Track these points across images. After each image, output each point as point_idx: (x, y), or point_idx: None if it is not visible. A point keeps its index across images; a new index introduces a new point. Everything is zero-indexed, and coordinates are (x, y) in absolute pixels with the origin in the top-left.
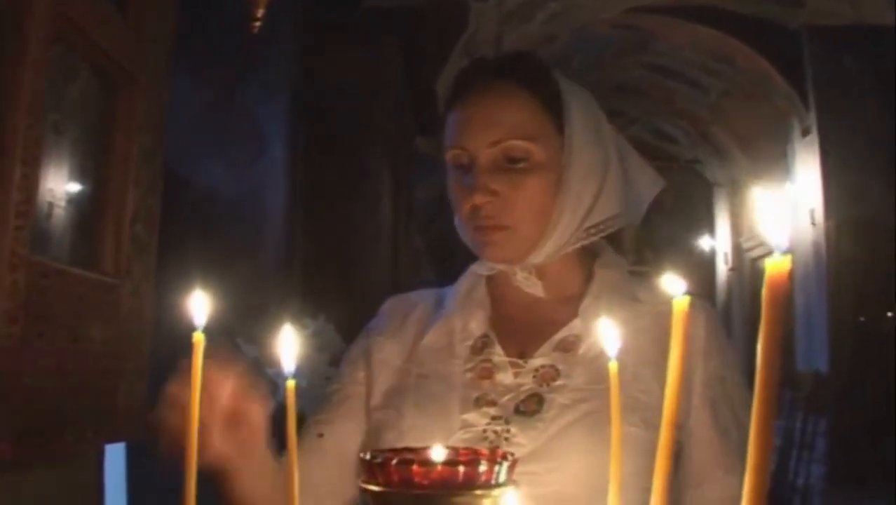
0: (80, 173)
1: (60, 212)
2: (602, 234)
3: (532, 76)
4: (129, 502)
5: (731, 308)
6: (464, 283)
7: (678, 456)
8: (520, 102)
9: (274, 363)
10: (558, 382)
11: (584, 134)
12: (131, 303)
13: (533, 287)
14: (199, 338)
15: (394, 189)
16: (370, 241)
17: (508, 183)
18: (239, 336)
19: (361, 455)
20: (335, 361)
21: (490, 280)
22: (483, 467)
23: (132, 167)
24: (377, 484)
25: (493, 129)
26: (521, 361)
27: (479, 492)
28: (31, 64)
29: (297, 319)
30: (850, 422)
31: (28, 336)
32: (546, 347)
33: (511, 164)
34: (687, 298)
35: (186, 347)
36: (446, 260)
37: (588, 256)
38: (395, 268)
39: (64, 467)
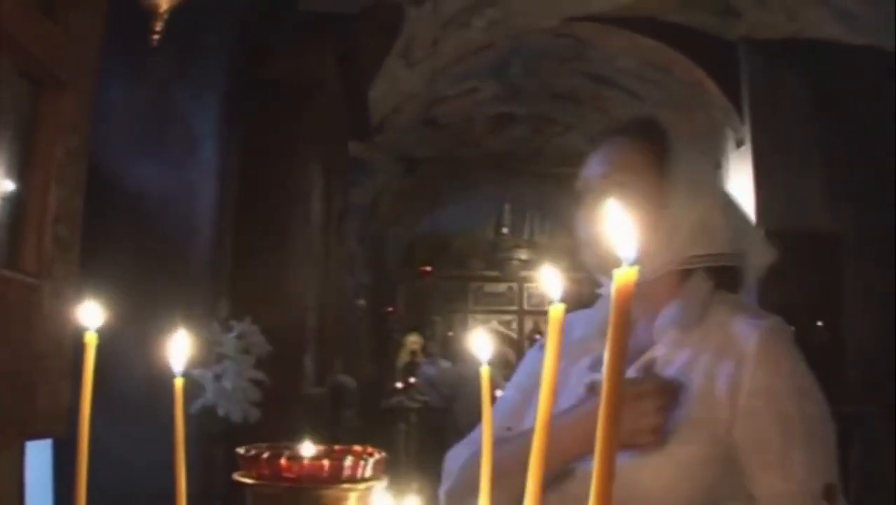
0: (5, 173)
1: None
2: (694, 266)
3: (643, 128)
4: (55, 500)
5: None
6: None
7: (733, 467)
8: (628, 147)
9: (199, 364)
10: None
11: (685, 180)
12: (53, 303)
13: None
14: (91, 338)
15: (325, 192)
16: (300, 244)
17: None
18: (166, 336)
19: (237, 449)
20: (260, 364)
21: None
22: (348, 462)
23: (56, 167)
24: (250, 477)
25: (603, 165)
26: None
27: (345, 485)
28: None
29: (224, 321)
30: None
31: None
32: (631, 369)
33: (613, 193)
34: (561, 307)
35: (113, 348)
36: (381, 263)
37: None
38: (325, 270)
39: None
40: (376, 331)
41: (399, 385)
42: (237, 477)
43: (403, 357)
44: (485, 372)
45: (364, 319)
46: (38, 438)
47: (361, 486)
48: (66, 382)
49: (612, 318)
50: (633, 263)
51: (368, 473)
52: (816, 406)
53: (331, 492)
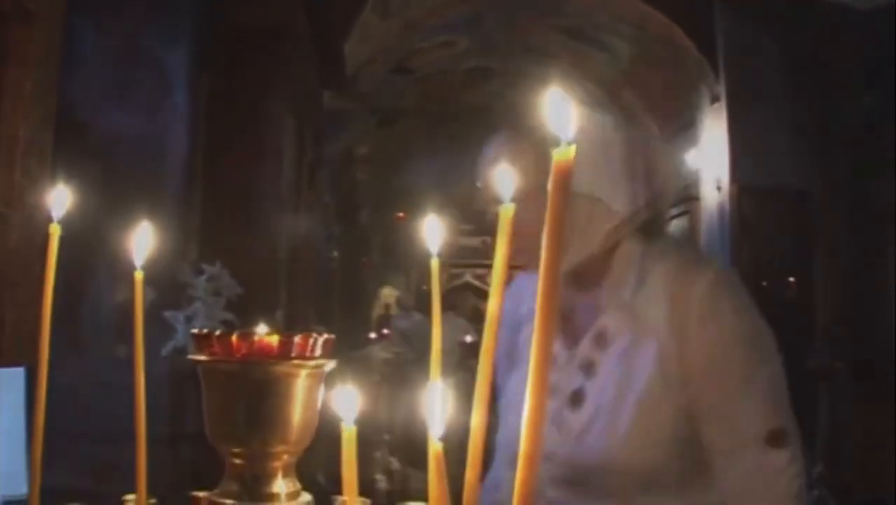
0: None
1: None
2: (618, 237)
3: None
4: (28, 431)
5: None
6: None
7: (694, 421)
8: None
9: (171, 306)
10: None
11: (580, 162)
12: (22, 233)
13: None
14: (54, 229)
15: (297, 141)
16: (271, 192)
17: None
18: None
19: (193, 331)
20: (230, 306)
21: None
22: (297, 340)
23: (25, 101)
24: (204, 355)
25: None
26: (566, 352)
27: (295, 362)
28: None
29: (195, 265)
30: None
31: None
32: (585, 340)
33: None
34: (512, 207)
35: (84, 290)
36: (354, 215)
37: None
38: (296, 219)
39: None
40: (350, 283)
41: (373, 335)
42: (191, 356)
43: (378, 310)
44: (434, 264)
45: (338, 272)
46: (7, 367)
47: (311, 363)
48: (34, 309)
49: (551, 195)
50: (571, 143)
51: (318, 351)
52: (758, 353)
53: (280, 368)
